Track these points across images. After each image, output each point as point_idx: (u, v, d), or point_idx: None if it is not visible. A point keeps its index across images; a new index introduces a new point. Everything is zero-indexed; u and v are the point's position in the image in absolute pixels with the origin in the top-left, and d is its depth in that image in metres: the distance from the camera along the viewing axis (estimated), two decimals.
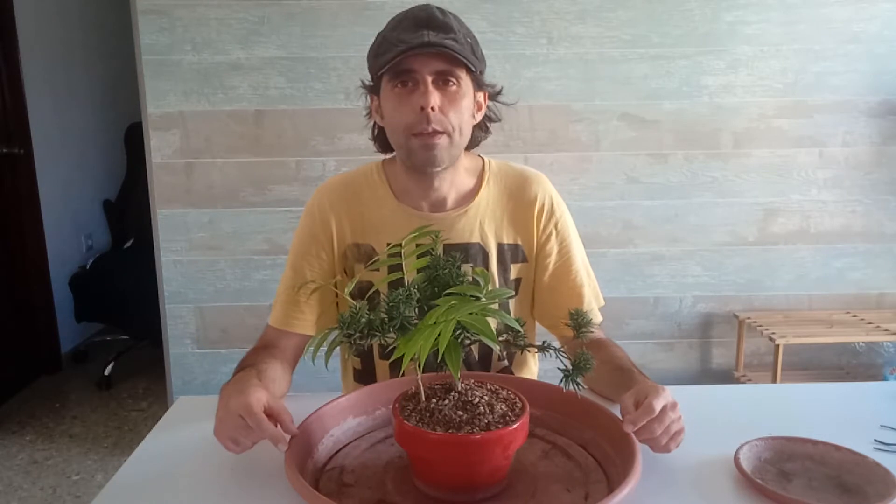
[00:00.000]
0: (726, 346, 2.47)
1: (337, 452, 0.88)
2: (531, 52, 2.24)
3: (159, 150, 2.27)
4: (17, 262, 2.95)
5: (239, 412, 0.82)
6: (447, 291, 0.74)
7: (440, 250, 1.08)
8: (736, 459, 0.83)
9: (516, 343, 0.79)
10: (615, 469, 0.80)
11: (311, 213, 1.15)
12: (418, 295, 0.76)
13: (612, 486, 0.78)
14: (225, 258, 2.33)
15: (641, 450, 0.78)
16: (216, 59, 2.22)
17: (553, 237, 1.15)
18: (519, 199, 1.15)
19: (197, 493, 0.83)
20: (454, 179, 1.12)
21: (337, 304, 1.16)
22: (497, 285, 1.12)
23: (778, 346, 2.14)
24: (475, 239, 1.12)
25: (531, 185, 1.16)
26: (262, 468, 0.86)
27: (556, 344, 0.82)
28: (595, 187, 2.34)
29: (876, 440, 0.92)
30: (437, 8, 1.04)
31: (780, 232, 2.39)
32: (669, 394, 0.85)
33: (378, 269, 1.10)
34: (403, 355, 0.68)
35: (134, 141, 3.25)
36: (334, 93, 2.24)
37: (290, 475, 0.74)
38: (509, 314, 1.15)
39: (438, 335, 0.66)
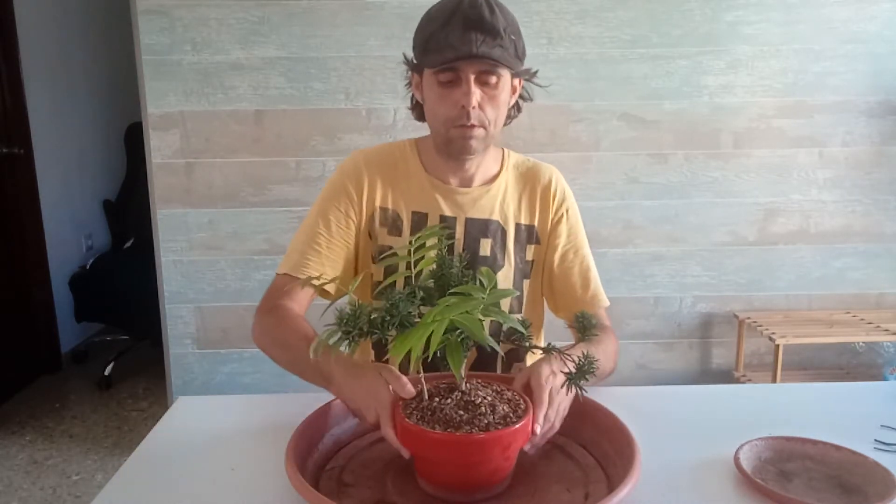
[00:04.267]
0: (726, 346, 2.47)
1: (337, 452, 0.88)
2: (531, 52, 2.21)
3: (159, 150, 2.27)
4: (17, 262, 2.95)
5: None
6: (451, 291, 0.74)
7: (462, 223, 1.14)
8: (736, 459, 0.83)
9: (522, 344, 0.80)
10: (615, 469, 0.80)
11: (345, 171, 1.18)
12: (422, 294, 0.76)
13: (612, 486, 0.78)
14: (225, 258, 2.33)
15: (641, 450, 0.79)
16: (216, 59, 2.22)
17: (564, 220, 1.21)
18: (534, 184, 1.20)
19: (197, 493, 0.83)
20: (482, 161, 1.17)
21: (355, 268, 1.18)
22: (514, 264, 1.17)
23: (778, 346, 2.14)
24: (496, 216, 1.17)
25: (545, 172, 1.22)
26: (262, 468, 0.86)
27: (557, 344, 0.82)
28: (595, 187, 2.34)
29: (876, 440, 0.92)
30: (487, 2, 1.03)
31: (781, 232, 2.39)
32: (547, 368, 0.85)
33: (400, 235, 1.15)
34: (396, 351, 0.68)
35: (134, 141, 3.25)
36: (334, 93, 2.24)
37: (291, 474, 0.74)
38: (521, 300, 1.19)
39: (431, 334, 0.67)
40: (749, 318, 2.36)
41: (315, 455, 0.85)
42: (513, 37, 1.06)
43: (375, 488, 0.80)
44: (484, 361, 1.15)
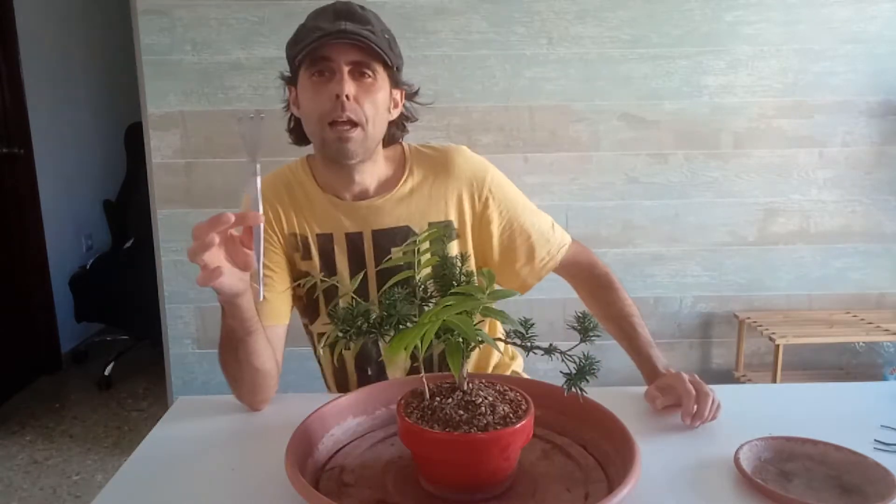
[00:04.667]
0: (726, 346, 2.47)
1: (337, 452, 0.88)
2: (531, 52, 2.24)
3: (159, 150, 2.27)
4: (17, 262, 2.95)
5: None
6: (451, 291, 0.74)
7: (369, 238, 1.12)
8: (736, 459, 0.83)
9: (522, 344, 0.79)
10: (615, 469, 0.80)
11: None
12: (422, 294, 0.76)
13: (612, 486, 0.78)
14: None
15: (641, 450, 0.78)
16: (216, 59, 2.22)
17: (491, 201, 1.16)
18: (442, 176, 1.15)
19: (197, 493, 0.83)
20: (374, 170, 1.14)
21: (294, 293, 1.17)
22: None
23: (778, 346, 2.14)
24: (402, 223, 1.13)
25: (451, 161, 1.16)
26: (262, 468, 0.86)
27: (562, 346, 0.82)
28: (595, 187, 2.34)
29: (876, 440, 0.92)
30: (358, 4, 1.07)
31: (780, 232, 2.39)
32: (684, 374, 0.99)
33: (311, 258, 1.14)
34: (392, 351, 0.68)
35: (134, 141, 3.24)
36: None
37: (291, 475, 0.74)
38: None
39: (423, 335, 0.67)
40: (749, 318, 2.36)
41: (315, 455, 0.85)
42: (386, 35, 1.07)
43: (375, 488, 0.80)
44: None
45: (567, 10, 2.22)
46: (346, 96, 1.01)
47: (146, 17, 2.19)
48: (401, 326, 0.72)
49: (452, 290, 0.75)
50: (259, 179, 0.83)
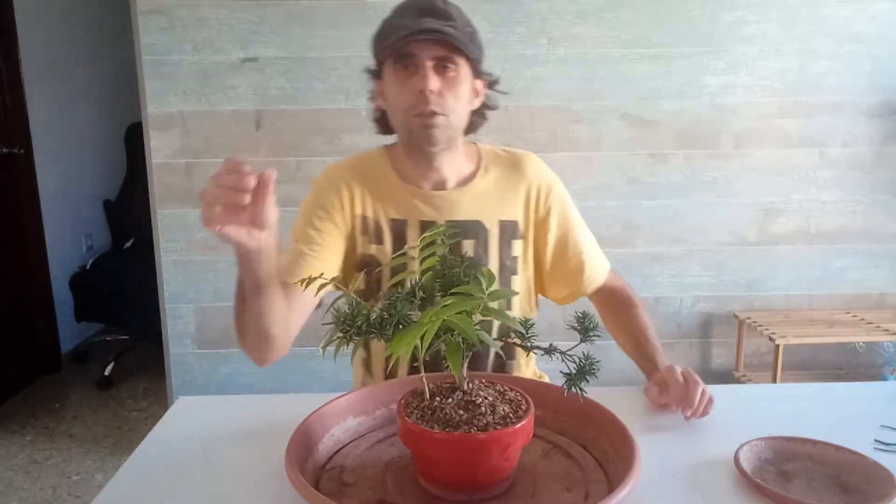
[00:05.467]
0: (726, 346, 2.47)
1: (337, 452, 0.88)
2: (531, 52, 2.24)
3: (159, 150, 2.27)
4: (18, 262, 2.95)
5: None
6: (451, 291, 0.74)
7: (442, 225, 1.13)
8: (736, 459, 0.83)
9: (523, 344, 0.79)
10: (615, 469, 0.80)
11: (322, 185, 1.19)
12: (422, 294, 0.76)
13: (612, 486, 0.78)
14: (225, 258, 2.33)
15: (641, 450, 0.79)
16: (216, 59, 2.22)
17: (553, 211, 1.20)
18: (514, 178, 1.20)
19: (197, 492, 0.83)
20: (454, 161, 1.17)
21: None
22: (499, 262, 1.17)
23: (778, 346, 2.14)
24: (475, 216, 1.16)
25: (525, 165, 1.21)
26: (262, 468, 0.86)
27: (562, 346, 0.82)
28: (595, 187, 2.34)
29: (876, 440, 0.92)
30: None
31: (780, 232, 2.39)
32: (678, 367, 1.00)
33: (382, 243, 1.15)
34: (392, 351, 0.68)
35: (134, 141, 3.24)
36: (334, 93, 2.24)
37: (291, 475, 0.74)
38: (510, 300, 1.19)
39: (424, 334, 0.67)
40: (749, 318, 2.36)
41: (315, 455, 0.85)
42: (468, 28, 1.09)
43: (375, 488, 0.80)
44: (474, 358, 1.16)
45: (567, 10, 2.22)
46: (430, 91, 1.05)
47: (146, 17, 2.19)
48: (401, 326, 0.72)
49: (452, 290, 0.75)
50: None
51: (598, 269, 1.24)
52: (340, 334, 0.73)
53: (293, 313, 1.07)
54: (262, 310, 0.97)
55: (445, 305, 0.70)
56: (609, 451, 0.84)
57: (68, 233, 3.34)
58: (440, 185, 1.17)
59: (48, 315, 3.10)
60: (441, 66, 1.07)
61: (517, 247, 1.19)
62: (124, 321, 3.10)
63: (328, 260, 1.13)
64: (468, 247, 1.15)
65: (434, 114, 1.06)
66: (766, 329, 2.23)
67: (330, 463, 0.86)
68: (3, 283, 2.86)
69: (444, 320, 0.69)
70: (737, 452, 0.84)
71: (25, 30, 2.94)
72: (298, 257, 1.13)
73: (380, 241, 1.16)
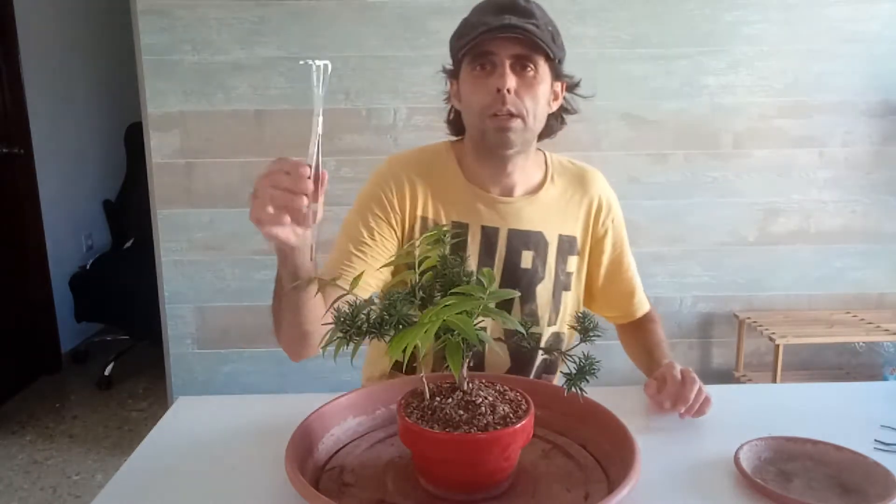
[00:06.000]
0: (726, 346, 2.47)
1: (337, 452, 0.88)
2: None
3: (159, 150, 2.27)
4: (18, 263, 2.95)
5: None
6: (451, 291, 0.74)
7: (505, 235, 1.12)
8: (736, 459, 0.83)
9: (523, 345, 0.80)
10: (615, 469, 0.80)
11: (383, 179, 1.13)
12: (422, 294, 0.76)
13: (612, 486, 0.78)
14: (225, 258, 2.33)
15: (641, 450, 0.79)
16: (216, 59, 2.22)
17: (609, 232, 1.19)
18: (580, 194, 1.18)
19: (197, 492, 0.83)
20: (525, 166, 1.14)
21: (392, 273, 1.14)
22: (554, 276, 1.15)
23: (778, 346, 2.14)
24: (538, 227, 1.14)
25: (590, 181, 1.20)
26: (262, 468, 0.86)
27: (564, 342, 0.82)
28: None
29: (876, 440, 0.92)
30: None
31: (780, 232, 2.39)
32: (677, 365, 1.01)
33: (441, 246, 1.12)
34: (392, 351, 0.68)
35: (134, 141, 3.24)
36: (334, 93, 2.24)
37: (291, 474, 0.74)
38: (558, 312, 1.16)
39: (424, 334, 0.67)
40: (749, 318, 2.36)
41: (315, 455, 0.85)
42: (550, 28, 1.07)
43: (375, 488, 0.80)
44: (518, 367, 1.14)
45: (567, 10, 2.22)
46: (508, 90, 1.02)
47: (146, 17, 2.19)
48: (400, 326, 0.72)
49: (452, 290, 0.75)
50: (321, 131, 0.79)
51: (643, 302, 1.26)
52: (340, 334, 0.73)
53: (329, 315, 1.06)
54: (298, 307, 0.95)
55: (446, 305, 0.70)
56: (609, 451, 0.84)
57: (68, 233, 3.34)
58: (508, 192, 1.14)
59: (48, 315, 3.10)
60: (519, 65, 1.03)
61: (572, 263, 1.17)
62: (124, 321, 3.10)
63: (376, 264, 1.08)
64: (526, 258, 1.12)
65: (511, 115, 1.03)
66: (766, 329, 2.23)
67: (330, 463, 0.86)
68: (3, 284, 2.86)
69: (444, 320, 0.69)
70: (737, 452, 0.84)
71: (25, 30, 2.94)
72: (344, 257, 1.08)
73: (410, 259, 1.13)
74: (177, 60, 2.21)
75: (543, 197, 1.15)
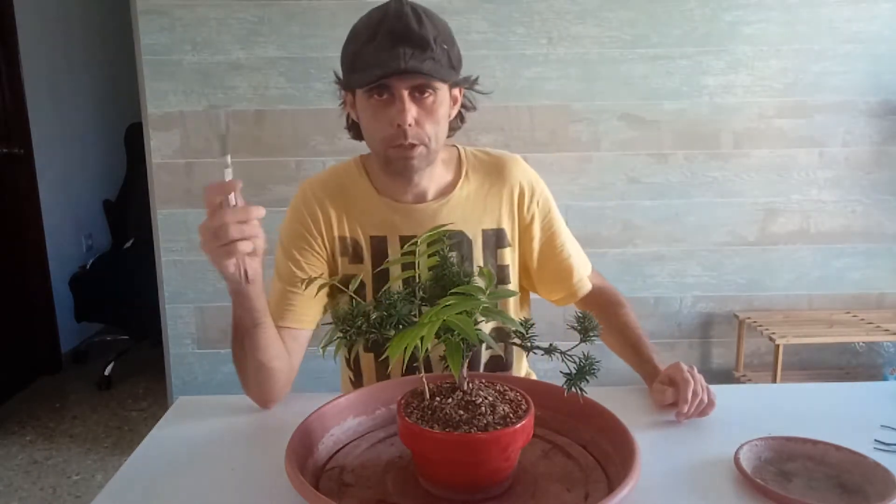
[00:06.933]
0: (726, 346, 2.47)
1: (337, 452, 0.88)
2: (531, 52, 2.24)
3: (159, 150, 2.27)
4: (18, 263, 2.95)
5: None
6: (451, 291, 0.74)
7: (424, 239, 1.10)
8: (736, 459, 0.83)
9: (523, 344, 0.79)
10: (615, 469, 0.80)
11: (298, 209, 1.14)
12: (422, 294, 0.76)
13: (612, 486, 0.78)
14: None
15: (641, 450, 0.78)
16: (216, 59, 2.22)
17: (537, 216, 1.17)
18: (497, 184, 1.16)
19: (197, 492, 0.83)
20: (433, 173, 1.13)
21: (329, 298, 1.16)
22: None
23: (778, 346, 2.14)
24: (458, 228, 1.13)
25: (508, 169, 1.17)
26: (262, 468, 0.86)
27: (562, 346, 0.82)
28: (595, 187, 2.34)
29: (876, 440, 0.92)
30: (413, 10, 1.00)
31: (780, 232, 2.40)
32: (684, 365, 1.00)
33: (361, 262, 1.13)
34: (392, 352, 0.68)
35: (134, 141, 3.24)
36: (334, 93, 2.23)
37: (291, 474, 0.74)
38: (498, 306, 1.16)
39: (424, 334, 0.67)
40: (749, 318, 2.36)
41: (315, 455, 0.85)
42: (444, 46, 1.02)
43: (375, 488, 0.80)
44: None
45: (567, 10, 2.22)
46: (409, 125, 1.01)
47: (146, 17, 2.19)
48: (400, 326, 0.72)
49: (452, 290, 0.75)
50: (230, 171, 0.90)
51: (586, 271, 1.23)
52: (340, 334, 0.73)
53: (292, 352, 1.06)
54: (262, 342, 0.96)
55: (446, 305, 0.70)
56: (609, 451, 0.84)
57: (68, 233, 3.34)
58: (420, 198, 1.13)
59: (48, 315, 3.10)
60: (418, 92, 1.02)
61: (506, 255, 1.16)
62: (124, 321, 3.10)
63: (314, 292, 1.09)
64: (453, 259, 1.13)
65: (413, 146, 1.03)
66: (766, 329, 2.23)
67: (330, 463, 0.86)
68: (3, 283, 2.86)
69: (445, 320, 0.69)
70: (737, 452, 0.84)
71: (25, 30, 2.94)
72: (283, 298, 1.10)
73: (360, 260, 1.13)
74: (177, 60, 2.21)
75: (458, 196, 1.14)
